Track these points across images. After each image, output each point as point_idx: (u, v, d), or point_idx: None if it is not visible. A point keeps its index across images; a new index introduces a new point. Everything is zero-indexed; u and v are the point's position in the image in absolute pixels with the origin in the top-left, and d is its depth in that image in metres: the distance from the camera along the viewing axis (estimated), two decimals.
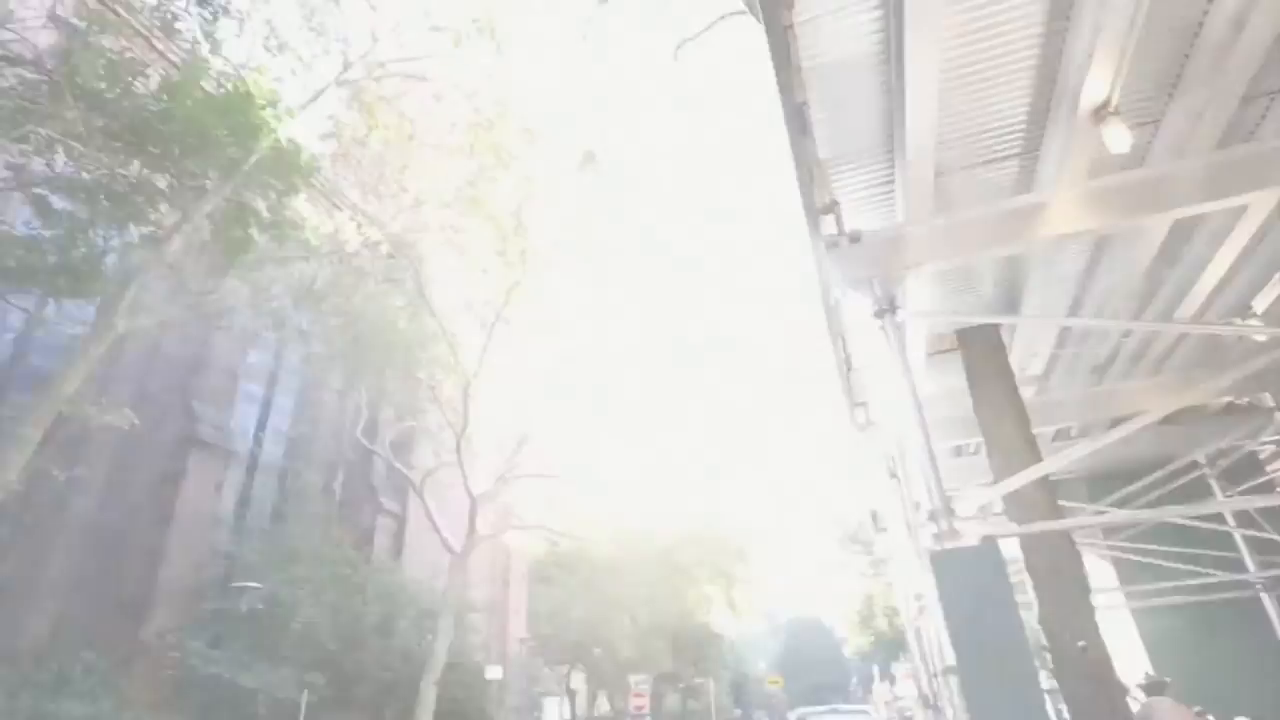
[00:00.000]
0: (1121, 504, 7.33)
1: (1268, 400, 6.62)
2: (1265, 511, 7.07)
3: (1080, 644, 4.31)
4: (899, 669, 23.46)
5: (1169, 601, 7.56)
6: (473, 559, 18.89)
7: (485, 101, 14.28)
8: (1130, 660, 7.71)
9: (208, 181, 9.08)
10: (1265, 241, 5.61)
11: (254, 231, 9.91)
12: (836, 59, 4.33)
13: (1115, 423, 7.92)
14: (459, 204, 14.70)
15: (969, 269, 5.90)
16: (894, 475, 6.33)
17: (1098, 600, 9.40)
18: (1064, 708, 4.31)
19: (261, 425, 21.98)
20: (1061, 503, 8.22)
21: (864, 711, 14.32)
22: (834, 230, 4.64)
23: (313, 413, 22.52)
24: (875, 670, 25.39)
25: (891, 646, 28.40)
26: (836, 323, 5.91)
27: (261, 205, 10.27)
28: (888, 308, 4.29)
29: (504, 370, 18.63)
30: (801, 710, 14.78)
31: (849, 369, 6.99)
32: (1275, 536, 6.75)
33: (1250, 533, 6.94)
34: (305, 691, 14.24)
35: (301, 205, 12.50)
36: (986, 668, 3.14)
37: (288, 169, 9.35)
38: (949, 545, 3.53)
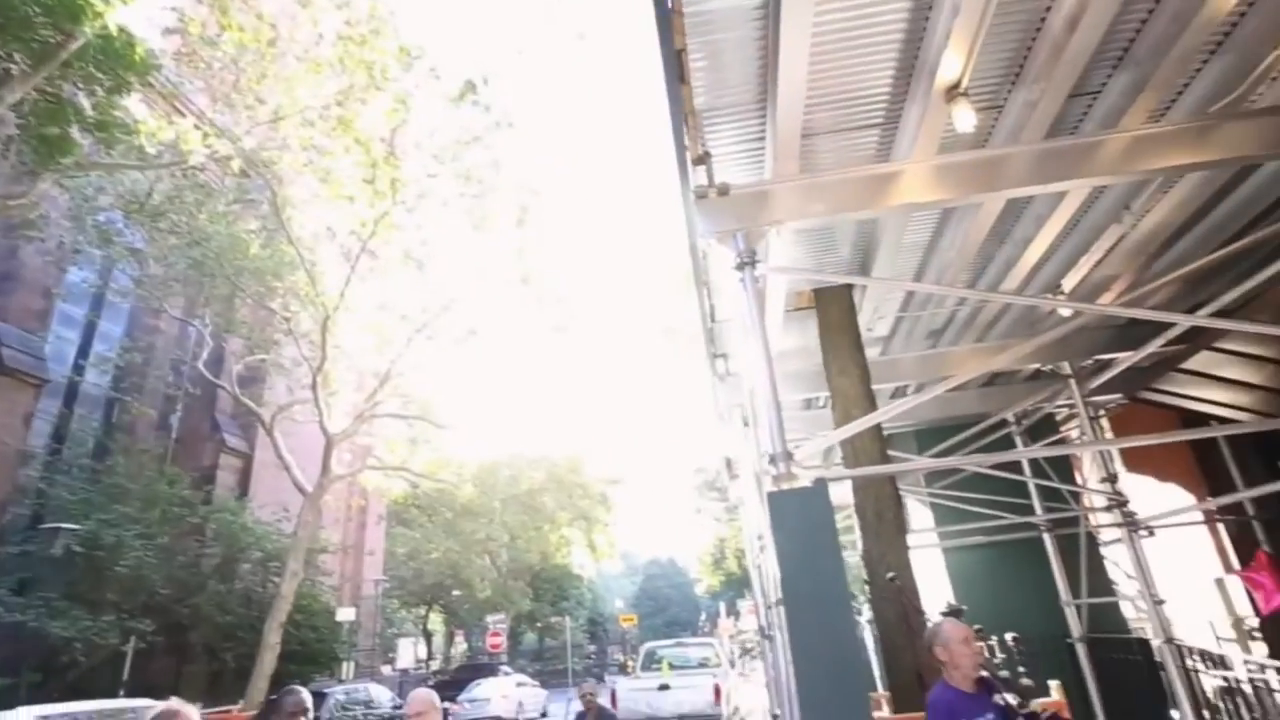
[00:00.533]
0: (942, 455, 8.15)
1: (1066, 368, 7.51)
2: (1054, 464, 8.12)
3: (890, 575, 4.83)
4: (743, 605, 25.18)
5: (973, 541, 8.58)
6: (327, 500, 18.20)
7: (360, 14, 13.20)
8: (937, 592, 8.72)
9: (13, 67, 7.88)
10: (1077, 227, 6.27)
11: (74, 131, 8.75)
12: (718, 7, 4.34)
13: (944, 380, 8.75)
14: (324, 123, 13.63)
15: (829, 231, 6.21)
16: (747, 424, 6.69)
17: (917, 540, 10.47)
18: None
19: (83, 352, 19.79)
20: (892, 453, 9.01)
21: (709, 644, 15.27)
22: (704, 181, 4.73)
23: (146, 340, 20.52)
24: (721, 606, 27.08)
25: (739, 585, 30.38)
26: (701, 274, 6.08)
27: (85, 102, 9.07)
28: (748, 261, 4.46)
29: (367, 305, 17.76)
30: (650, 644, 15.56)
31: (712, 320, 7.24)
32: (1059, 485, 7.78)
33: (1040, 482, 7.96)
34: (132, 639, 13.31)
35: (136, 107, 11.13)
36: (809, 597, 3.43)
37: (117, 62, 8.26)
38: (785, 486, 3.81)
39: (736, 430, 7.98)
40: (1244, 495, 6.68)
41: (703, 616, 32.85)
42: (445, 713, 15.56)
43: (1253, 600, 7.05)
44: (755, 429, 5.54)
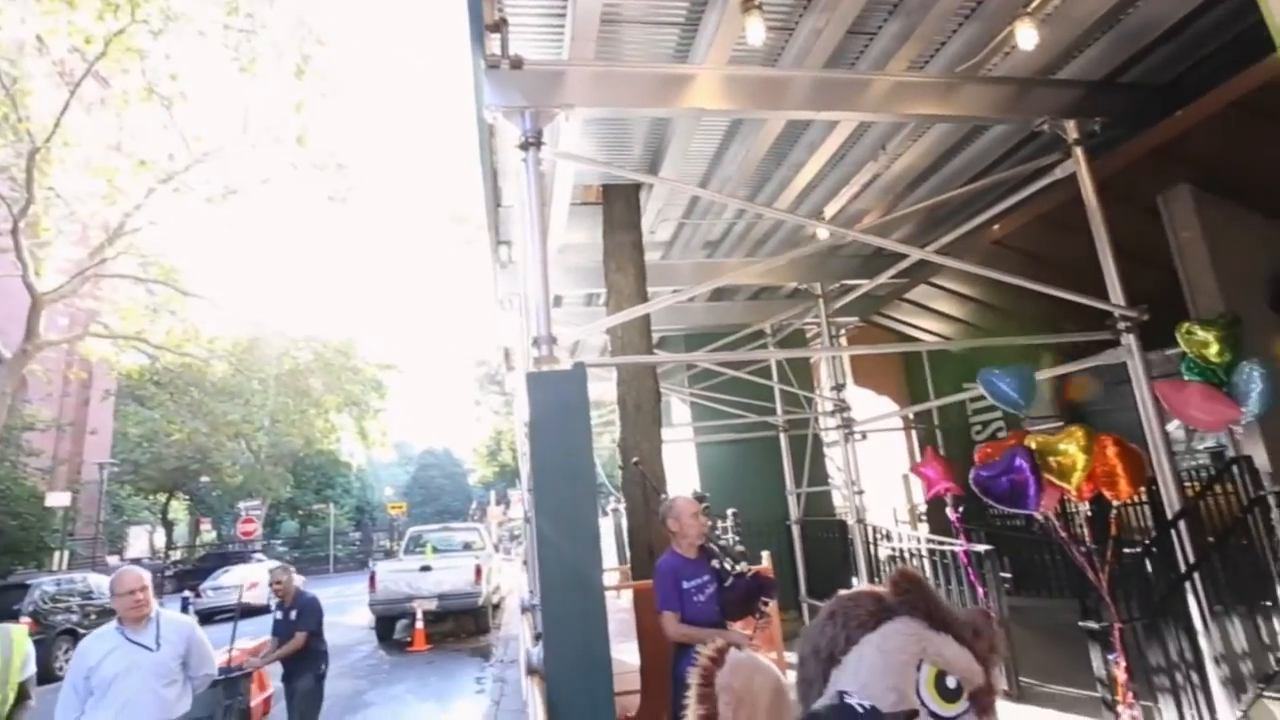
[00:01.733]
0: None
1: (817, 289, 8.37)
2: (797, 375, 9.17)
3: (634, 460, 5.25)
4: (514, 494, 26.00)
5: (722, 438, 9.52)
6: (35, 370, 15.54)
7: None
8: (688, 481, 9.63)
9: None
10: (843, 160, 6.83)
11: None
12: None
13: (717, 292, 9.36)
14: None
15: (621, 126, 6.19)
16: (524, 313, 6.69)
17: (675, 435, 11.37)
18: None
19: None
20: (660, 352, 9.56)
21: (475, 529, 15.62)
22: (497, 51, 4.46)
23: None
24: (492, 495, 27.69)
25: (512, 476, 31.19)
26: (488, 153, 5.82)
27: None
28: (534, 141, 4.34)
29: (96, 143, 14.81)
30: (415, 529, 15.58)
31: (497, 205, 7.02)
32: (799, 391, 8.83)
33: (784, 388, 8.96)
34: None
35: None
36: (558, 472, 3.60)
37: None
38: (546, 369, 3.90)
39: (515, 320, 7.96)
40: (932, 404, 8.11)
41: (474, 505, 33.47)
42: (185, 602, 14.51)
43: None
44: (526, 314, 5.56)
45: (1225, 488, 4.30)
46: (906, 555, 6.50)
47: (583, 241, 7.60)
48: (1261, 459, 4.40)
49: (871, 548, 7.24)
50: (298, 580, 6.06)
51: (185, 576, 24.27)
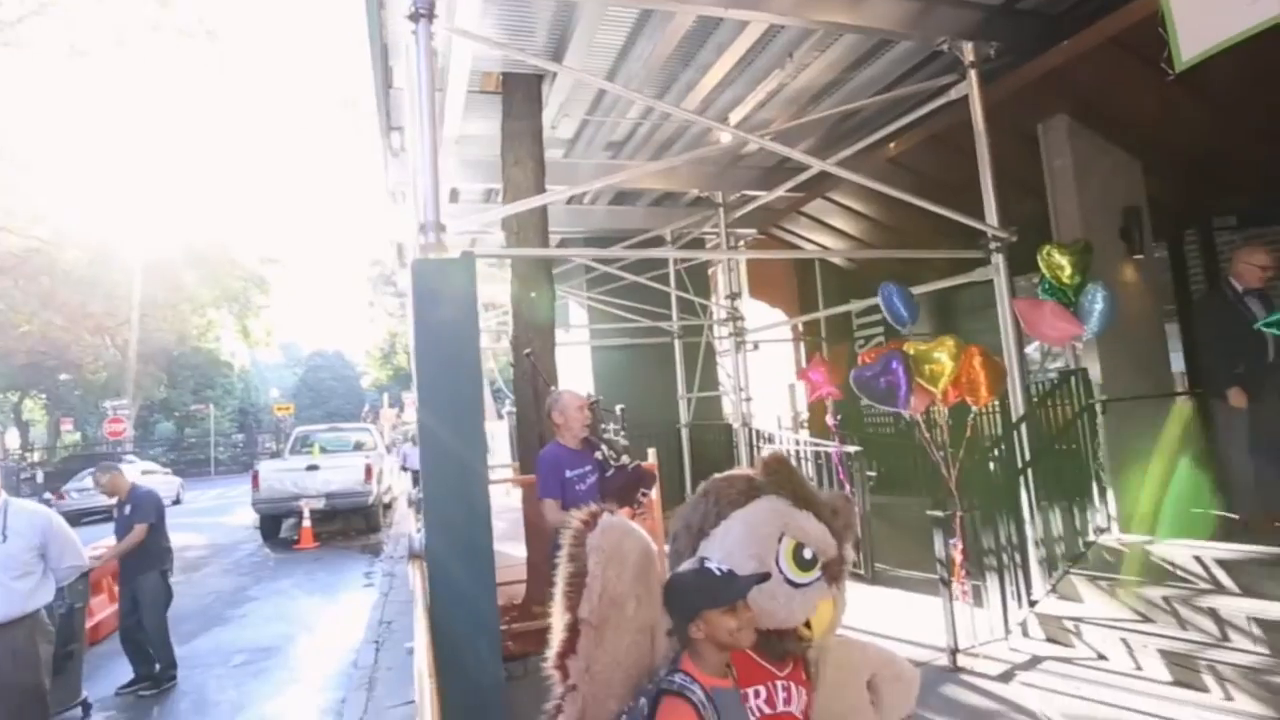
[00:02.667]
0: (607, 262, 8.78)
1: (719, 198, 8.40)
2: (695, 283, 9.31)
3: (526, 351, 5.24)
4: (408, 397, 25.54)
5: (618, 343, 9.62)
6: None
7: None
8: (583, 385, 9.74)
9: None
10: (752, 65, 6.72)
11: None
12: None
13: (619, 196, 9.22)
14: None
15: (524, 8, 5.82)
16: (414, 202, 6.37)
17: (572, 338, 11.39)
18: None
19: None
20: (580, 262, 9.43)
21: (366, 429, 15.31)
22: None
23: None
24: (385, 398, 27.10)
25: (407, 380, 30.52)
26: (376, 26, 5.37)
27: None
28: (425, 13, 4.02)
29: None
30: (302, 429, 15.12)
31: (388, 86, 6.55)
32: (695, 298, 8.98)
33: (681, 294, 9.10)
34: None
35: None
36: (443, 365, 3.54)
37: None
38: (433, 256, 3.76)
39: (407, 213, 7.58)
40: (821, 314, 8.51)
41: (366, 409, 32.68)
42: (46, 505, 13.62)
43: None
44: (415, 201, 5.30)
45: (1063, 397, 4.76)
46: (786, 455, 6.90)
47: (481, 133, 7.23)
48: (1096, 372, 4.88)
49: (754, 450, 7.65)
50: (135, 477, 5.67)
51: (48, 480, 22.70)
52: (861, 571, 5.81)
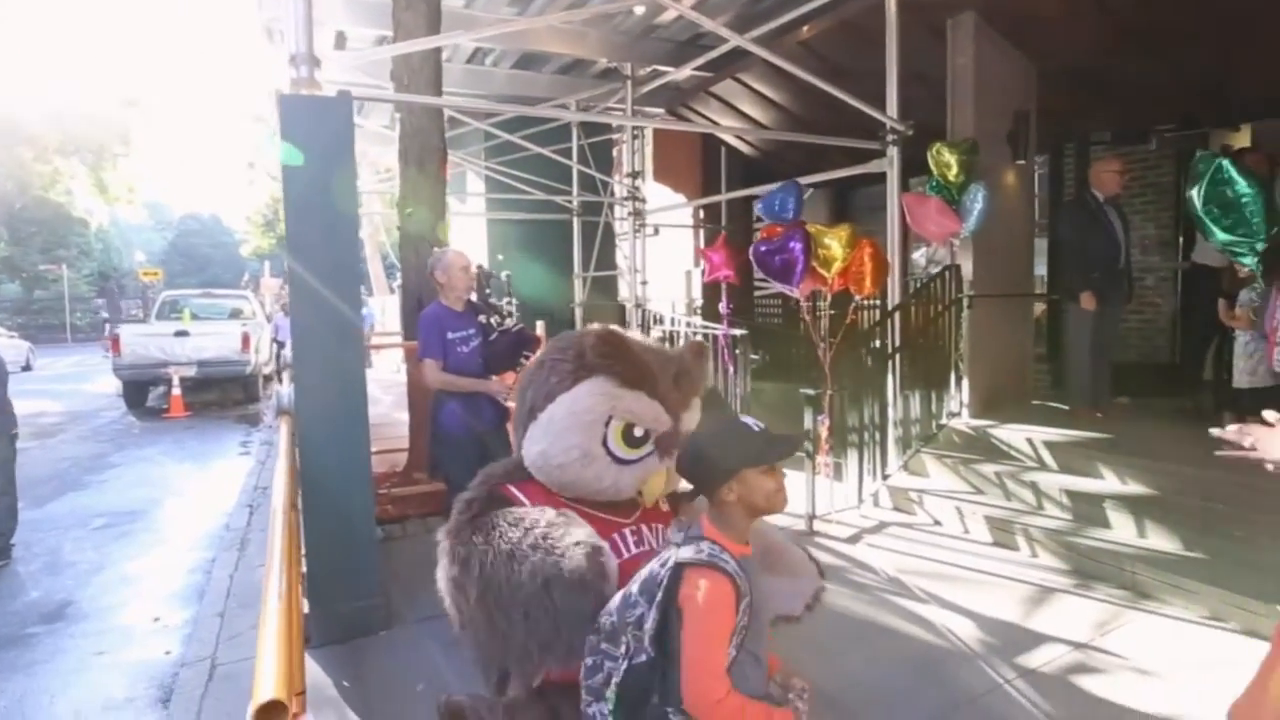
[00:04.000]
0: (507, 130, 8.32)
1: (627, 70, 8.03)
2: (598, 161, 9.01)
3: (408, 211, 4.97)
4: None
5: (517, 217, 9.30)
6: None
7: None
8: (476, 257, 9.44)
9: None
10: None
11: None
12: None
13: (524, 60, 8.65)
14: None
15: None
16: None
17: (467, 208, 10.94)
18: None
19: None
20: (459, 117, 8.88)
21: (244, 296, 14.38)
22: None
23: None
24: (266, 266, 25.46)
25: None
26: None
27: None
28: None
29: None
30: (171, 294, 14.04)
31: None
32: (596, 175, 8.73)
33: (583, 169, 8.81)
34: None
35: None
36: (316, 215, 3.28)
37: None
38: (305, 93, 3.41)
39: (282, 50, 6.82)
40: (722, 197, 8.52)
41: (245, 277, 30.59)
42: None
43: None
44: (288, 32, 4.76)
45: (936, 292, 5.03)
46: (675, 336, 7.04)
47: None
48: (969, 269, 5.15)
49: (645, 330, 7.74)
50: None
51: None
52: None
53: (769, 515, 1.42)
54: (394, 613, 3.50)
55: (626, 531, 1.69)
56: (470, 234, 9.62)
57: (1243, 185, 2.60)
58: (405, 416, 5.78)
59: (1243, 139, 6.61)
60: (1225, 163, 2.70)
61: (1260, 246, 2.71)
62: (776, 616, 1.61)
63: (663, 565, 1.36)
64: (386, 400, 8.85)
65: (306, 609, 3.37)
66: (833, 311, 5.03)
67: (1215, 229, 2.78)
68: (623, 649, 1.37)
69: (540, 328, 5.26)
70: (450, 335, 3.65)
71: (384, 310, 16.39)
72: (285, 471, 2.49)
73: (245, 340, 11.16)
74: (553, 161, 8.71)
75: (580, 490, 1.64)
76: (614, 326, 1.72)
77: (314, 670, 3.08)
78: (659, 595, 1.33)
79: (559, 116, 6.90)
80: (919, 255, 8.76)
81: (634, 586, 1.41)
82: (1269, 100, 5.65)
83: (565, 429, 1.60)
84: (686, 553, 1.33)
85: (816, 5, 6.29)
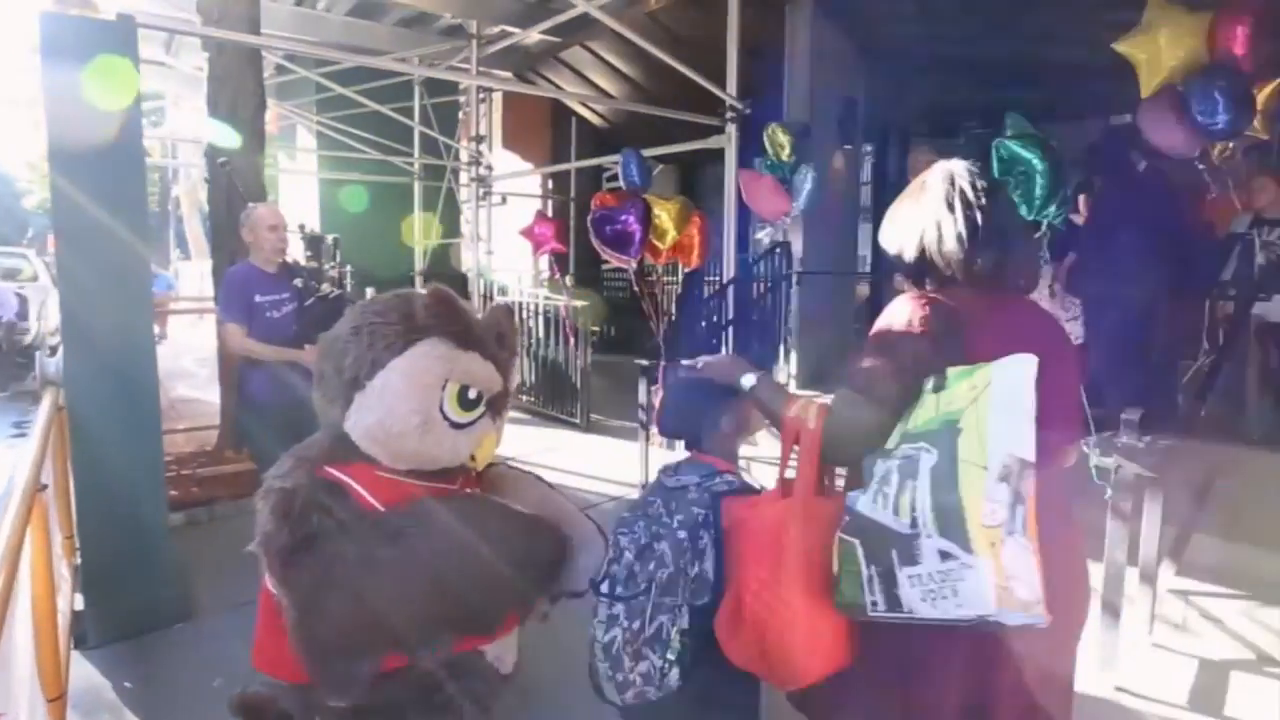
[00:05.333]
0: (342, 82, 7.72)
1: (473, 28, 7.68)
2: (442, 123, 8.58)
3: (221, 160, 4.49)
4: None
5: (351, 177, 8.68)
6: None
7: None
8: (309, 219, 8.77)
9: None
10: None
11: None
12: None
13: (363, 8, 8.02)
14: None
15: None
16: None
17: (296, 165, 10.11)
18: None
19: None
20: (286, 65, 8.13)
21: (23, 255, 12.50)
22: None
23: None
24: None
25: None
26: None
27: None
28: None
29: None
30: None
31: None
32: (440, 137, 8.32)
33: (425, 131, 8.37)
34: None
35: None
36: (85, 167, 2.86)
37: None
38: (75, 12, 2.94)
39: None
40: (570, 166, 8.41)
41: (29, 232, 26.62)
42: None
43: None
44: None
45: (769, 268, 5.25)
46: (519, 307, 6.90)
47: None
48: (798, 247, 5.41)
49: (486, 300, 7.53)
50: None
51: None
52: (577, 421, 6.15)
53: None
54: (193, 603, 3.19)
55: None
56: (299, 193, 8.87)
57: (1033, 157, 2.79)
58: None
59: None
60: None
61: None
62: (561, 593, 1.62)
63: (700, 508, 1.51)
64: (202, 374, 8.04)
65: (80, 605, 3.01)
66: (671, 281, 5.12)
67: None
68: (681, 596, 1.45)
69: (370, 294, 4.93)
70: (258, 298, 3.33)
71: (204, 275, 14.87)
72: (37, 449, 2.15)
73: (22, 305, 9.71)
74: (393, 120, 8.19)
75: (419, 460, 1.54)
76: (440, 287, 1.60)
77: (89, 673, 2.77)
78: (711, 533, 1.48)
79: (399, 71, 6.44)
80: (763, 234, 9.12)
81: (658, 541, 1.51)
82: (1054, 103, 6.34)
83: (403, 395, 1.48)
84: (714, 485, 1.57)
85: None
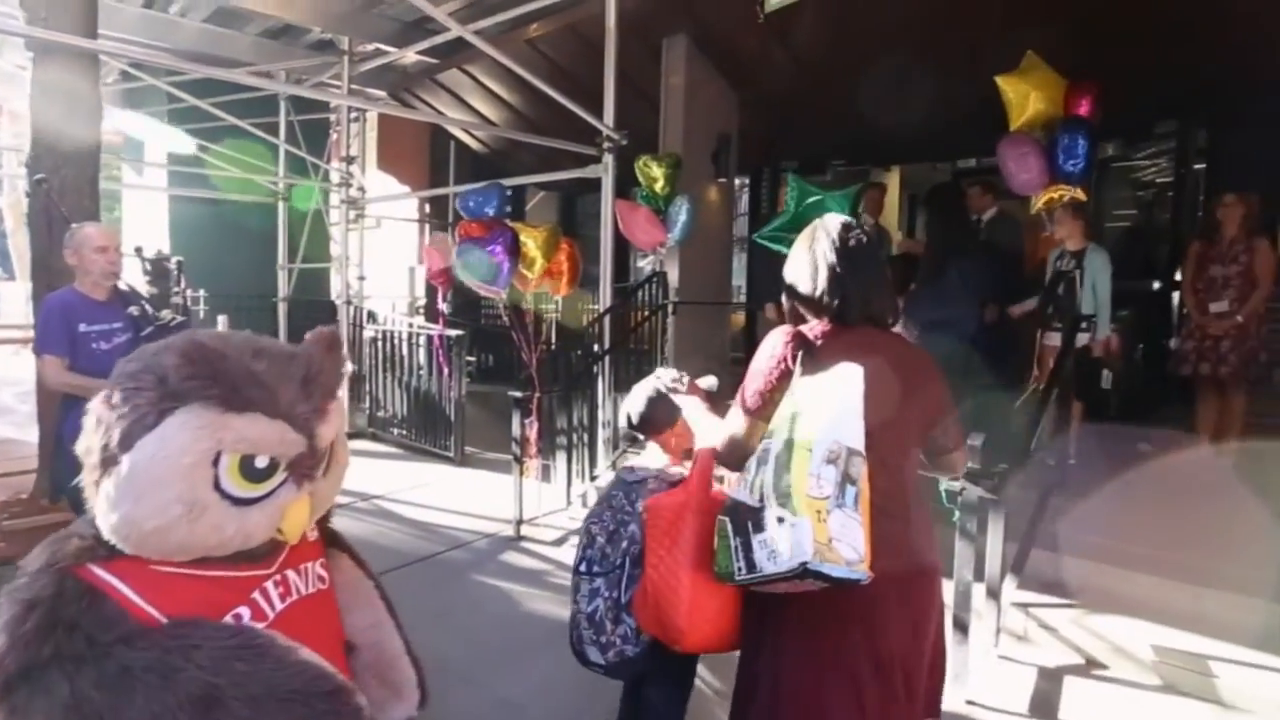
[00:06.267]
0: (198, 94, 7.19)
1: (345, 44, 7.37)
2: (310, 141, 8.14)
3: (38, 178, 4.04)
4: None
5: (209, 194, 8.04)
6: None
7: None
8: (157, 241, 8.07)
9: None
10: None
11: None
12: None
13: (222, 15, 7.52)
14: None
15: None
16: None
17: (143, 180, 9.32)
18: None
19: None
20: (133, 71, 7.49)
21: None
22: None
23: None
24: None
25: None
26: None
27: None
28: None
29: None
30: None
31: None
32: (307, 157, 7.89)
33: (291, 149, 7.92)
34: None
35: None
36: None
37: None
38: None
39: None
40: (449, 190, 8.18)
41: None
42: None
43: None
44: None
45: (645, 297, 5.29)
46: (390, 337, 6.62)
47: None
48: (674, 277, 5.49)
49: (358, 330, 7.15)
50: None
51: None
52: (451, 455, 5.91)
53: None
54: None
55: (269, 584, 1.31)
56: (149, 212, 8.15)
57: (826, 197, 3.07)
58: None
59: (894, 178, 7.90)
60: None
61: None
62: None
63: (631, 500, 1.90)
64: (22, 410, 7.16)
65: None
66: (554, 310, 5.05)
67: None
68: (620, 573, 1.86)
69: (222, 323, 4.57)
70: (83, 328, 2.99)
71: (29, 300, 13.38)
72: None
73: None
74: (255, 136, 7.70)
75: (197, 551, 1.22)
76: (207, 332, 1.28)
77: None
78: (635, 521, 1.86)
79: (262, 86, 6.05)
80: (645, 262, 9.22)
81: (624, 526, 1.88)
82: (910, 147, 6.80)
83: (156, 481, 1.17)
84: (674, 477, 1.91)
85: (544, 5, 6.28)
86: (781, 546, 1.29)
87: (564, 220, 9.36)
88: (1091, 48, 4.50)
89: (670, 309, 5.35)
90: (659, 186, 5.00)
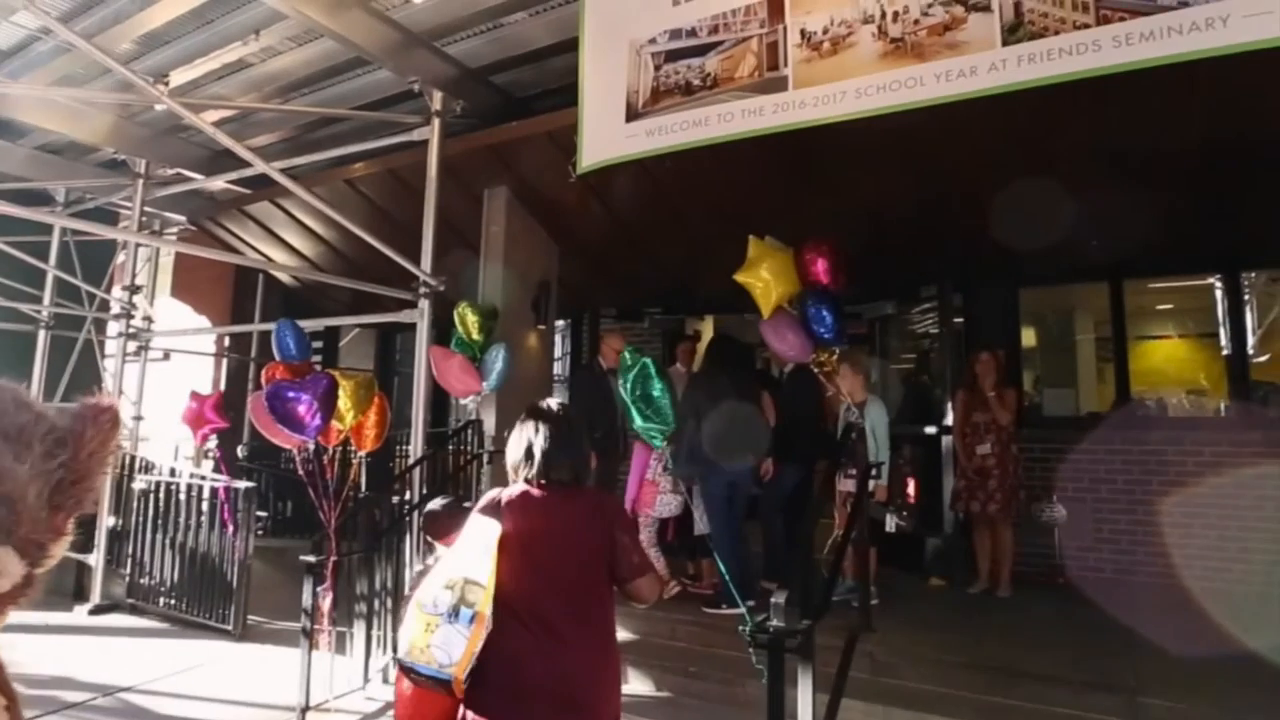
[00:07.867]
0: None
1: (140, 166, 6.87)
2: (88, 266, 7.34)
3: None
4: None
5: None
6: None
7: None
8: None
9: None
10: (212, 25, 5.72)
11: None
12: None
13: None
14: None
15: None
16: None
17: None
18: None
19: None
20: None
21: None
22: None
23: None
24: None
25: None
26: None
27: None
28: None
29: None
30: None
31: None
32: (82, 285, 7.07)
33: (62, 275, 7.06)
34: None
35: None
36: None
37: None
38: None
39: None
40: (254, 327, 7.60)
41: None
42: None
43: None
44: None
45: (461, 445, 5.09)
46: (169, 488, 5.79)
47: None
48: (491, 424, 5.36)
49: (126, 480, 6.18)
50: None
51: None
52: (230, 628, 5.10)
53: None
54: None
55: None
56: None
57: (658, 384, 3.20)
58: None
59: (708, 326, 8.45)
60: (648, 362, 3.32)
61: (668, 433, 3.42)
62: None
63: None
64: None
65: None
66: (363, 456, 4.69)
67: (637, 416, 3.40)
68: None
69: None
70: None
71: None
72: None
73: None
74: (20, 259, 6.82)
75: None
76: None
77: None
78: None
79: (29, 216, 5.30)
80: (469, 401, 8.98)
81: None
82: (719, 300, 7.34)
83: None
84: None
85: (365, 149, 6.28)
86: (401, 642, 1.78)
87: (382, 357, 8.98)
88: (872, 231, 5.21)
89: (486, 458, 5.17)
90: (474, 333, 4.96)
